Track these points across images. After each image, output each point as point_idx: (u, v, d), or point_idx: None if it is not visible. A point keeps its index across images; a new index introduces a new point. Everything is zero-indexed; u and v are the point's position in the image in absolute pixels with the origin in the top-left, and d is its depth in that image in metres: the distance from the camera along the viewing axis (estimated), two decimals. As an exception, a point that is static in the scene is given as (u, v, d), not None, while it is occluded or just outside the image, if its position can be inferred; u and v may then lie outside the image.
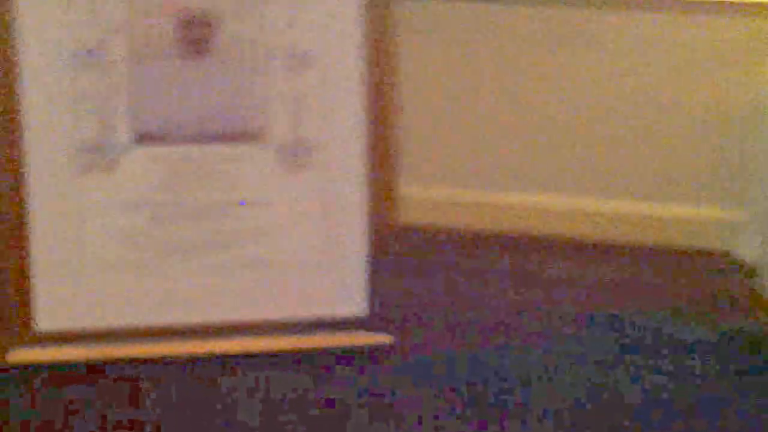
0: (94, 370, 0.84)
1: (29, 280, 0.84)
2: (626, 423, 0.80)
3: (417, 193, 1.06)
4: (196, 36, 0.84)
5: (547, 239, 1.10)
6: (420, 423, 0.79)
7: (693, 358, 0.89)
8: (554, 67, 1.06)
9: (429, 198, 1.10)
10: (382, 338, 0.87)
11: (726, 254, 1.09)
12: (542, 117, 1.07)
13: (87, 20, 0.83)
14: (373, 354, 0.87)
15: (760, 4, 1.04)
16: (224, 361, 0.85)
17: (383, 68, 0.87)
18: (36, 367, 0.84)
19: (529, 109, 1.07)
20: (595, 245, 1.10)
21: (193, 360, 0.85)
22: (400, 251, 0.90)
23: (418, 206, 1.06)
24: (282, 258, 0.87)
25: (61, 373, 0.83)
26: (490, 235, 1.10)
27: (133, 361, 0.84)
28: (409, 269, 0.97)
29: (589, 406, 0.80)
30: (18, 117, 0.83)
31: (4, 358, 0.84)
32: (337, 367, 0.85)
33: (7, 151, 0.83)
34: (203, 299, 0.87)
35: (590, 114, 1.07)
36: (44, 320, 0.85)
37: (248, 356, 0.86)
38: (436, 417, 0.79)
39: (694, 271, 1.06)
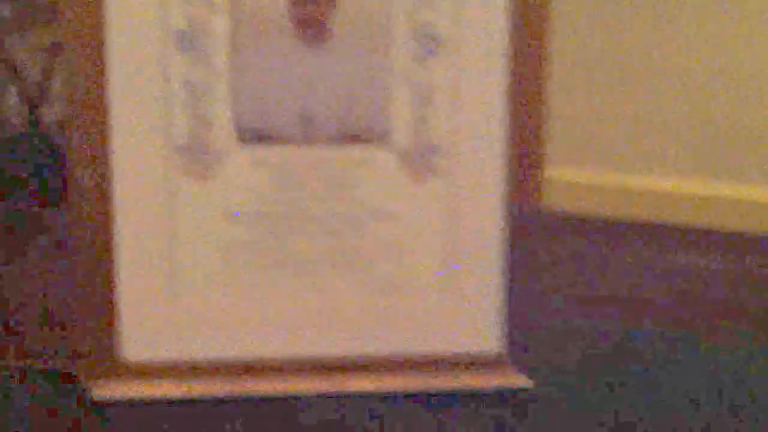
0: (189, 407, 0.73)
1: (115, 302, 0.75)
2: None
3: (562, 176, 0.97)
4: (311, 15, 0.73)
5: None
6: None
7: None
8: (717, 42, 0.94)
9: (575, 182, 1.00)
10: (520, 380, 0.77)
11: None
12: (699, 97, 0.97)
13: (183, -4, 0.72)
14: (508, 398, 0.76)
15: None
16: (331, 400, 0.74)
17: (532, 55, 0.76)
18: (123, 403, 0.73)
19: (686, 89, 0.97)
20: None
21: (298, 398, 0.74)
22: (540, 264, 0.79)
23: (562, 190, 0.96)
24: (404, 280, 0.76)
25: (151, 410, 0.73)
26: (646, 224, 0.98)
27: (233, 399, 0.74)
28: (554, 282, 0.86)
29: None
30: (105, 112, 0.73)
31: (87, 393, 0.74)
32: (464, 412, 0.73)
33: (92, 151, 0.73)
34: (311, 328, 0.77)
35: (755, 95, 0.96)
36: (132, 350, 0.74)
37: (357, 396, 0.75)
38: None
39: None
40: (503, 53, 0.74)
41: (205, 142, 0.73)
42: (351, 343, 0.76)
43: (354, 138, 0.74)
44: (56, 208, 1.08)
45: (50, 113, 1.10)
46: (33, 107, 1.03)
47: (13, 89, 1.06)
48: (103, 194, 0.73)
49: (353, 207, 0.75)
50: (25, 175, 1.06)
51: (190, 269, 0.74)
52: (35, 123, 1.06)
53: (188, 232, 0.74)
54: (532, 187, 0.77)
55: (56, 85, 1.00)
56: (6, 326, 0.85)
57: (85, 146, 0.72)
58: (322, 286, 0.76)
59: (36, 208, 1.08)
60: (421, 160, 0.75)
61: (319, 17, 0.72)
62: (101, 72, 0.71)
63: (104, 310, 0.74)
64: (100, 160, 0.72)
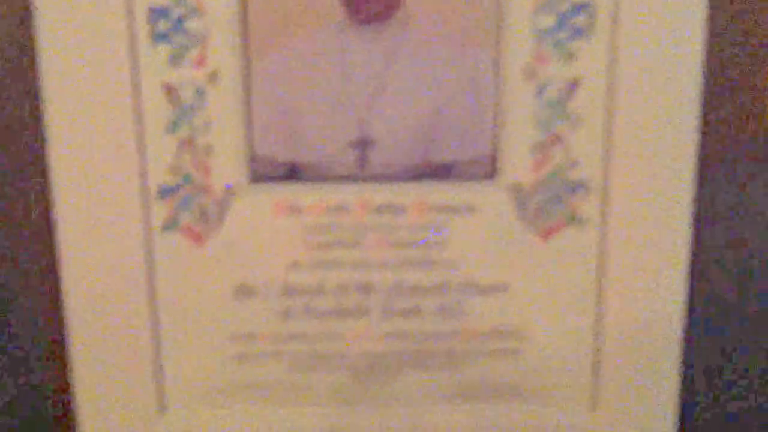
0: None
1: (73, 420, 0.57)
2: None
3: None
4: (370, -19, 0.50)
5: None
6: None
7: None
8: None
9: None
10: None
11: None
12: None
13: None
14: None
15: None
16: None
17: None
18: None
19: None
20: None
21: None
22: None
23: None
24: (524, 384, 0.57)
25: None
26: None
27: None
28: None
29: None
30: (39, 138, 0.53)
31: None
32: None
33: (27, 207, 0.53)
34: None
35: None
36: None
37: None
38: None
39: None
40: (700, 23, 0.51)
41: (201, 183, 0.53)
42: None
43: (441, 171, 0.53)
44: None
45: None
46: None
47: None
48: (46, 261, 0.54)
49: (440, 276, 0.55)
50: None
51: (183, 372, 0.56)
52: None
53: (177, 318, 0.55)
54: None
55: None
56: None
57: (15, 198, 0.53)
58: (391, 391, 0.57)
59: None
60: (550, 203, 0.54)
61: (384, -18, 0.49)
62: (31, 74, 0.51)
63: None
64: (36, 215, 0.53)
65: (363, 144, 0.51)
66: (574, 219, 0.53)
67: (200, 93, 0.50)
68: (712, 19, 0.50)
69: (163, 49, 0.50)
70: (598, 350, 0.55)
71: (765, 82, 0.51)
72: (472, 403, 0.56)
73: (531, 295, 0.54)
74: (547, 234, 0.53)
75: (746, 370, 0.58)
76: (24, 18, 0.49)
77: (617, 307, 0.54)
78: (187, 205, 0.52)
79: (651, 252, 0.54)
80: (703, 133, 0.51)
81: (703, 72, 0.50)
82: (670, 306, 0.54)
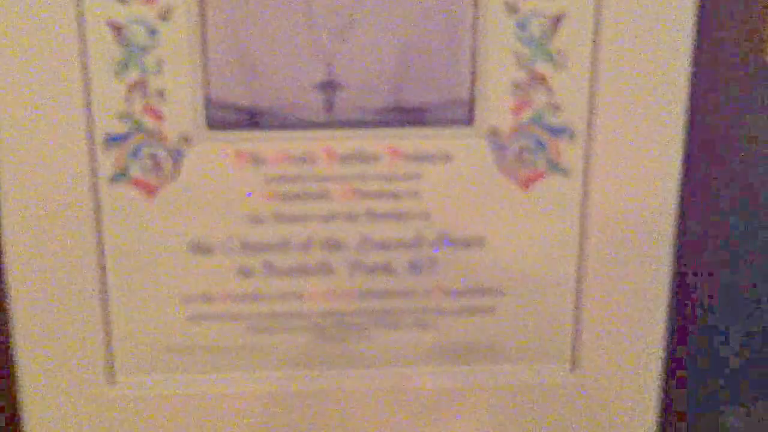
0: None
1: (16, 388, 0.55)
2: None
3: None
4: None
5: None
6: None
7: None
8: None
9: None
10: None
11: None
12: None
13: None
14: None
15: None
16: None
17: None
18: None
19: None
20: None
21: None
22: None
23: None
24: (506, 344, 0.56)
25: None
26: None
27: None
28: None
29: None
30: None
31: None
32: None
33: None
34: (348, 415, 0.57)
35: None
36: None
37: None
38: None
39: None
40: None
41: (152, 130, 0.51)
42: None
43: (414, 116, 0.51)
44: None
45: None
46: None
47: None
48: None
49: (413, 229, 0.53)
50: None
51: (134, 336, 0.54)
52: None
53: (127, 277, 0.53)
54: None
55: None
56: None
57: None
58: (359, 354, 0.56)
59: None
60: (531, 150, 0.52)
61: None
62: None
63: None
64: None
65: (329, 87, 0.49)
66: (555, 167, 0.52)
67: (151, 31, 0.48)
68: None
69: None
70: (579, 307, 0.54)
71: (760, 15, 0.50)
72: (446, 365, 0.55)
73: (509, 248, 0.53)
74: (526, 183, 0.52)
75: (728, 330, 0.58)
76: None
77: (600, 261, 0.53)
78: (138, 155, 0.50)
79: (637, 202, 0.52)
80: (694, 75, 0.50)
81: (696, 9, 0.49)
82: (656, 261, 0.53)
